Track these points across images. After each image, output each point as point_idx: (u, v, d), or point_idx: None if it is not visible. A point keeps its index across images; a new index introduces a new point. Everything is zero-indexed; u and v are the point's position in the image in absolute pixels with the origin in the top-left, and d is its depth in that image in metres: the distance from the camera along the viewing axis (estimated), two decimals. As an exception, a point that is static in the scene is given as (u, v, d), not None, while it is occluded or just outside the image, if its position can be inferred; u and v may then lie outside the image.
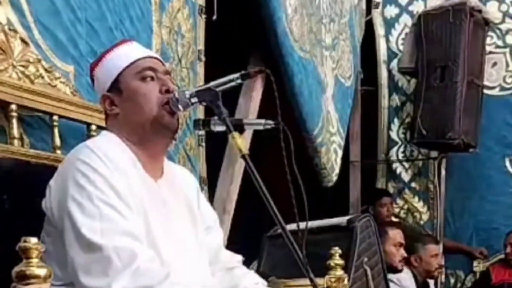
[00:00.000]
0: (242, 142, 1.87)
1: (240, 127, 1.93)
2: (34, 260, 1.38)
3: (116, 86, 2.00)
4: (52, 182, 1.87)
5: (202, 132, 3.48)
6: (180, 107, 1.97)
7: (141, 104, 1.96)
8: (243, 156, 1.85)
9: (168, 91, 1.98)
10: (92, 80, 2.10)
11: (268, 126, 1.97)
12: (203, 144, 3.54)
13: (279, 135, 1.91)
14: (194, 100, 1.97)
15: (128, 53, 2.04)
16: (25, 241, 1.38)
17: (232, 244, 2.60)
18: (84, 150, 1.86)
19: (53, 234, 1.86)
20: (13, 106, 2.21)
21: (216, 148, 3.79)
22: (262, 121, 1.99)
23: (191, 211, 2.10)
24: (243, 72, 2.01)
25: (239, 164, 4.05)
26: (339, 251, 2.86)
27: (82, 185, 1.78)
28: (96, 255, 1.73)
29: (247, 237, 4.26)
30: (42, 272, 1.38)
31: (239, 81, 2.00)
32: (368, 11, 6.67)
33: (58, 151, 2.36)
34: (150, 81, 1.99)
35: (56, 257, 1.81)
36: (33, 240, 1.38)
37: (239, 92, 4.25)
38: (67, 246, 1.77)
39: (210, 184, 3.78)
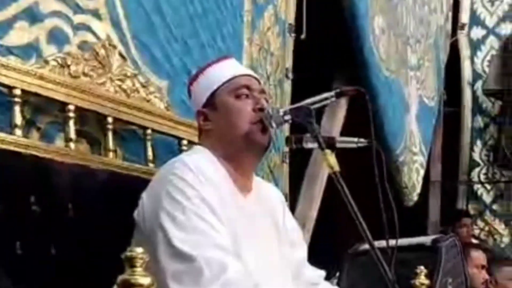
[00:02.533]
0: (333, 159, 1.84)
1: (332, 145, 1.90)
2: (139, 269, 1.39)
3: (211, 101, 2.00)
4: (145, 194, 1.89)
5: (286, 149, 3.47)
6: (274, 124, 1.95)
7: (234, 120, 1.96)
8: (334, 173, 1.83)
9: (261, 109, 1.96)
10: (189, 95, 2.12)
11: (361, 145, 1.94)
12: (287, 161, 3.52)
13: (363, 153, 1.89)
14: (287, 117, 1.95)
15: (225, 70, 2.05)
16: (130, 251, 1.40)
17: (310, 261, 2.58)
18: (178, 165, 1.86)
19: (143, 244, 1.83)
20: (110, 119, 2.24)
21: (296, 165, 3.76)
22: (355, 139, 1.96)
23: (276, 226, 2.09)
24: (338, 90, 2.00)
25: (320, 182, 4.04)
26: (425, 270, 2.78)
27: (175, 198, 1.79)
28: (188, 266, 1.73)
29: (323, 254, 4.21)
30: (146, 281, 1.39)
31: (333, 99, 1.99)
32: (454, 32, 6.56)
33: (151, 164, 2.38)
34: (244, 98, 1.98)
35: (145, 267, 1.82)
36: (139, 250, 1.40)
37: (322, 110, 4.22)
38: (159, 257, 1.77)
39: (290, 200, 3.76)
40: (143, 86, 2.41)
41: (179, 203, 1.78)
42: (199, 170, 1.85)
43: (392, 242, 1.90)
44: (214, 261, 1.74)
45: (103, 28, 2.30)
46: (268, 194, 2.17)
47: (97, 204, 2.08)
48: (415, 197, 5.36)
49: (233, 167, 1.97)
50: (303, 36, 3.57)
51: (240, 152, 1.97)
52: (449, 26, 6.48)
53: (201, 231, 1.77)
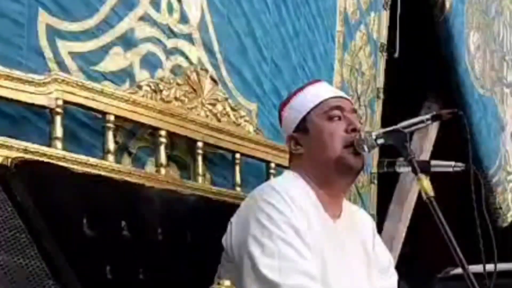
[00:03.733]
0: (427, 184, 1.79)
1: (426, 170, 1.85)
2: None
3: (302, 125, 1.98)
4: (234, 219, 1.89)
5: (374, 170, 3.41)
6: (366, 148, 1.91)
7: (326, 143, 1.92)
8: (428, 199, 1.77)
9: (354, 129, 1.93)
10: (280, 120, 2.09)
11: (458, 169, 1.89)
12: (375, 181, 3.46)
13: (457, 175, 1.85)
14: (380, 141, 1.91)
15: (316, 93, 2.02)
16: (218, 284, 1.40)
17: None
18: (267, 190, 1.85)
19: (230, 269, 1.87)
20: (200, 144, 2.25)
21: (383, 185, 3.70)
22: (451, 163, 1.90)
23: (366, 252, 2.05)
24: (434, 113, 1.93)
25: (408, 203, 3.95)
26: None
27: (264, 224, 1.78)
28: None
29: (411, 277, 4.13)
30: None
31: (429, 122, 1.92)
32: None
33: (238, 188, 2.38)
34: (336, 120, 1.95)
35: None
36: (227, 282, 1.40)
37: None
38: (245, 283, 1.77)
39: (377, 222, 3.70)
40: (233, 110, 2.41)
41: (267, 228, 1.78)
42: (288, 195, 1.83)
43: (490, 266, 1.83)
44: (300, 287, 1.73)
45: (195, 52, 2.32)
46: (359, 219, 2.13)
47: (186, 229, 2.09)
48: (509, 219, 5.16)
49: (323, 190, 1.95)
50: (396, 55, 3.50)
51: (332, 175, 1.94)
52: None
53: (287, 257, 1.76)
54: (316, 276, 1.78)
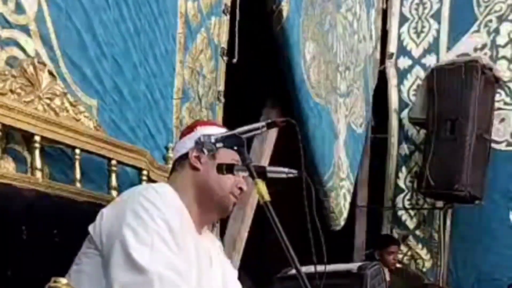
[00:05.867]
0: (264, 188, 1.88)
1: (262, 175, 1.93)
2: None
3: (214, 150, 2.04)
4: (106, 210, 1.94)
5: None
6: (205, 150, 2.02)
7: (224, 180, 2.07)
8: (264, 203, 1.86)
9: (241, 189, 2.13)
10: (190, 131, 2.16)
11: (291, 175, 1.98)
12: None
13: (293, 180, 1.95)
14: (219, 144, 2.01)
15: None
16: (55, 281, 1.35)
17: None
18: (148, 189, 1.95)
19: (93, 257, 1.90)
20: (37, 138, 2.17)
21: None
22: (285, 169, 1.99)
23: (221, 263, 2.21)
24: (269, 121, 2.04)
25: (250, 205, 4.03)
26: (351, 296, 2.80)
27: (140, 215, 1.85)
28: (141, 278, 1.78)
29: (253, 277, 4.20)
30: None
31: (264, 129, 2.02)
32: (382, 61, 6.69)
33: (78, 184, 2.31)
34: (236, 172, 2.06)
35: (90, 279, 1.87)
36: (63, 281, 1.36)
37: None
38: (112, 268, 1.81)
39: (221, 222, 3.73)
40: (73, 105, 2.34)
41: (143, 220, 1.85)
42: (167, 197, 1.94)
43: (321, 268, 1.92)
44: (167, 279, 1.79)
45: (32, 45, 2.23)
46: (211, 237, 2.29)
47: (21, 224, 1.99)
48: (342, 222, 5.40)
49: (195, 209, 2.08)
50: (234, 60, 3.55)
51: (211, 206, 2.11)
52: (377, 55, 6.60)
53: (159, 250, 1.83)
54: (183, 274, 1.85)
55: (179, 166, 2.14)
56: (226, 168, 2.02)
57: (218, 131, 2.11)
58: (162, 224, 1.86)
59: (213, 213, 2.16)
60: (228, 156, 2.04)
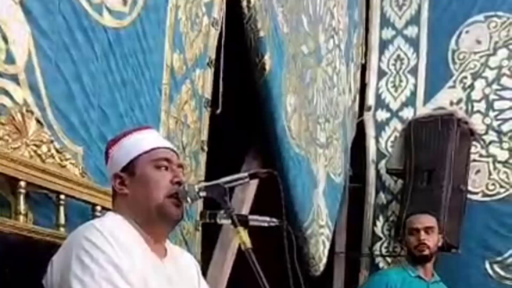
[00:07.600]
0: (246, 236, 1.89)
1: (244, 223, 1.94)
2: None
3: (130, 168, 2.00)
4: (55, 258, 1.86)
5: (199, 218, 3.45)
6: (189, 199, 1.99)
7: (151, 189, 1.97)
8: (246, 250, 1.86)
9: (179, 183, 1.99)
10: (106, 159, 2.10)
11: (273, 224, 2.01)
12: (200, 228, 3.49)
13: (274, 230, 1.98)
14: (202, 194, 1.99)
15: (148, 139, 2.07)
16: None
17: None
18: (90, 228, 1.85)
19: None
20: (22, 183, 2.17)
21: (208, 231, 3.74)
22: (267, 218, 2.02)
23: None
24: (251, 172, 2.06)
25: (231, 250, 4.02)
26: None
27: (85, 263, 1.77)
28: None
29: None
30: None
31: (247, 180, 2.03)
32: (361, 113, 6.76)
33: (62, 229, 2.31)
34: (164, 170, 2.00)
35: None
36: None
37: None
38: None
39: (202, 265, 3.72)
40: (59, 152, 2.34)
41: (88, 268, 1.76)
42: (111, 234, 1.83)
43: None
44: None
45: (20, 93, 2.25)
46: (185, 259, 2.18)
47: (4, 268, 1.99)
48: (321, 268, 5.40)
49: (146, 232, 1.98)
50: (218, 111, 3.59)
51: (153, 221, 1.99)
52: (356, 107, 6.68)
53: None
54: None
55: (113, 192, 2.06)
56: (209, 216, 2.05)
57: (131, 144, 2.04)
58: (108, 267, 1.77)
59: (160, 225, 2.01)
60: (147, 164, 1.99)
